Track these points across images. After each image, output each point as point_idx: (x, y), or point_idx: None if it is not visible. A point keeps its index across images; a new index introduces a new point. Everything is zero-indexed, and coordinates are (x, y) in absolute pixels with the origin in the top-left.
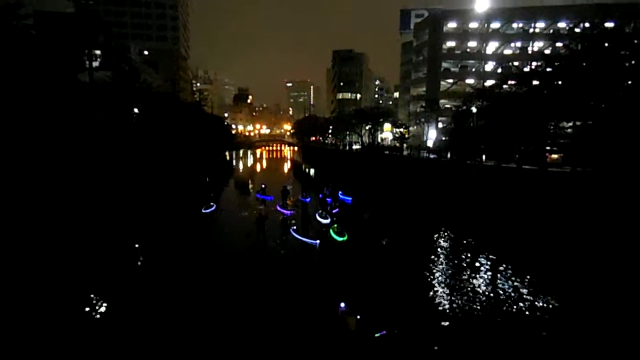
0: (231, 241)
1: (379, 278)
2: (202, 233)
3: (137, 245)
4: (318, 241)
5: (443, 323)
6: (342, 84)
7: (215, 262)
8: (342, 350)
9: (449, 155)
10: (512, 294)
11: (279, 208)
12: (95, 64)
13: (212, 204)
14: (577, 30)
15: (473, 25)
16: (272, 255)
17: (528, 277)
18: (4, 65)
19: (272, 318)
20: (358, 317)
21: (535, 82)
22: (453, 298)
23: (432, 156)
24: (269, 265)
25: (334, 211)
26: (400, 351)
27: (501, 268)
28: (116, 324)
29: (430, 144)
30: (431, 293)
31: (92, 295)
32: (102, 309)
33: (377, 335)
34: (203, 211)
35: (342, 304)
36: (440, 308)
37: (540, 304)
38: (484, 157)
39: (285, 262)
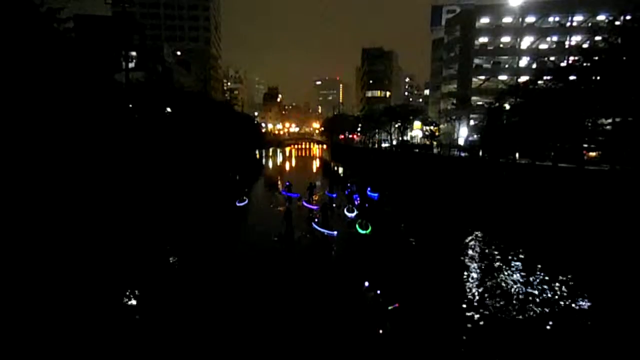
0: (261, 231)
1: (399, 263)
2: (237, 223)
3: (168, 247)
4: (335, 232)
5: (459, 307)
6: (371, 81)
7: (247, 249)
8: (361, 318)
9: (480, 154)
10: (537, 291)
11: (304, 203)
12: (130, 64)
13: (245, 198)
14: (617, 22)
15: (507, 20)
16: (298, 244)
17: (557, 276)
18: (46, 67)
19: (300, 294)
20: (376, 293)
21: (572, 78)
22: (472, 287)
23: (463, 154)
24: (295, 253)
25: (356, 202)
26: (409, 320)
27: (531, 267)
28: (149, 315)
29: (461, 141)
30: (450, 281)
31: (126, 288)
32: (133, 302)
33: (390, 307)
34: (237, 204)
35: (366, 283)
36: (456, 293)
37: (569, 305)
38: (517, 155)
39: (308, 251)
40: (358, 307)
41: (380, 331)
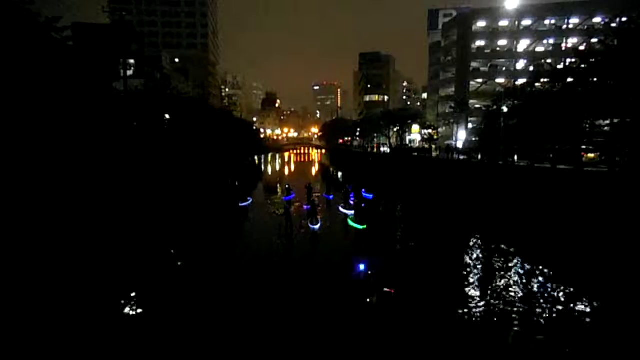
0: (264, 228)
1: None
2: (240, 221)
3: (173, 251)
4: (317, 226)
5: (449, 298)
6: (369, 86)
7: (252, 243)
8: (357, 295)
9: (479, 156)
10: (535, 291)
11: (305, 207)
12: (129, 72)
13: (248, 198)
14: (613, 25)
15: (503, 23)
16: (297, 239)
17: (556, 276)
18: (45, 76)
19: (306, 275)
20: (370, 273)
21: (569, 80)
22: (466, 283)
23: (461, 157)
24: (294, 246)
25: (351, 201)
26: (402, 305)
27: (529, 267)
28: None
29: (459, 144)
30: (444, 275)
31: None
32: (137, 305)
33: (385, 290)
34: (240, 204)
35: (362, 266)
36: (449, 287)
37: (567, 305)
38: (516, 157)
39: (304, 244)
40: (353, 283)
41: (368, 300)
